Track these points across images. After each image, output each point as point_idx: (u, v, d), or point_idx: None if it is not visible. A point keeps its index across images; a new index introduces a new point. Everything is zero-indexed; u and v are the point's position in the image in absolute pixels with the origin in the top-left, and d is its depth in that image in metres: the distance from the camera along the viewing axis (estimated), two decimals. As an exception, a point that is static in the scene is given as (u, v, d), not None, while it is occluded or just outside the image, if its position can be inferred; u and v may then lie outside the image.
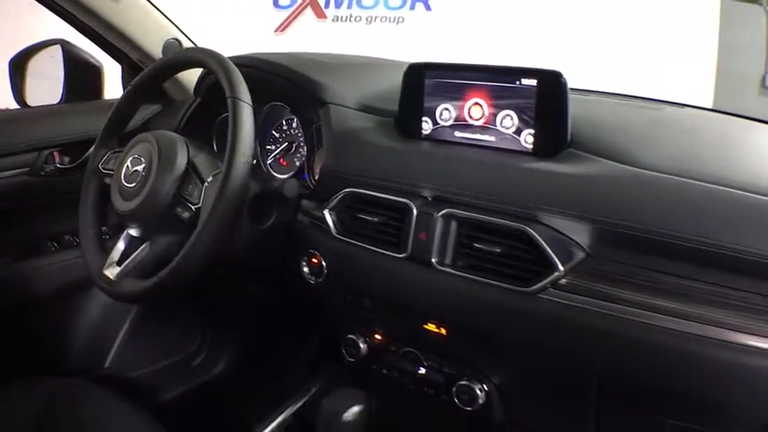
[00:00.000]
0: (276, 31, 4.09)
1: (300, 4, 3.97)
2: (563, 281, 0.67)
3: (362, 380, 0.97)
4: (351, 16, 3.84)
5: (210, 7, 3.86)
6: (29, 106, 1.36)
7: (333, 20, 3.97)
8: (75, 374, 1.24)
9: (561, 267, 0.66)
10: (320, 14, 3.95)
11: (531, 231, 0.68)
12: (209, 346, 1.52)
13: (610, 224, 0.66)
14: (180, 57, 1.01)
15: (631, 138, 0.75)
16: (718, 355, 0.59)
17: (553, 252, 0.67)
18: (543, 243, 0.67)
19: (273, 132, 1.13)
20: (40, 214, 1.24)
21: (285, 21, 4.04)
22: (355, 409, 0.75)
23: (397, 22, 3.77)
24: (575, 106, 0.76)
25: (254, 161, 1.13)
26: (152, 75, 1.02)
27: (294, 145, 1.10)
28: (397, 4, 3.76)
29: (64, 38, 1.34)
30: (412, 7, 3.72)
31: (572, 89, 0.75)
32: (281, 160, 1.12)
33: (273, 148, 1.12)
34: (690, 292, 0.62)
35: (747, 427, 0.62)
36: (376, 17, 3.81)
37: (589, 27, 3.31)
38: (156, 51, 1.29)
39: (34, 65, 1.39)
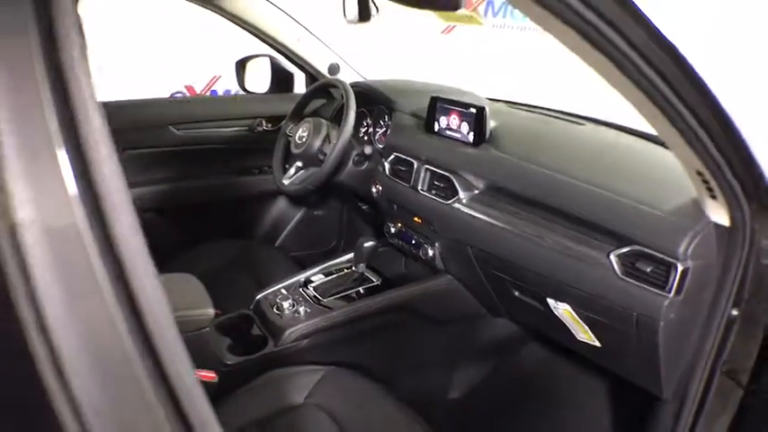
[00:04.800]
0: (443, 32, 5.15)
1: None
2: (464, 200, 1.60)
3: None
4: (505, 24, 4.78)
5: (389, 9, 4.96)
6: (247, 90, 2.40)
7: (491, 26, 4.94)
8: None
9: (462, 194, 1.60)
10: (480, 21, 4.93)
11: (452, 177, 1.63)
12: (344, 246, 2.64)
13: (489, 180, 1.58)
14: (327, 80, 2.10)
15: (518, 139, 1.63)
16: (516, 236, 1.48)
17: (459, 188, 1.61)
18: (456, 183, 1.62)
19: (380, 121, 2.16)
20: (252, 153, 2.41)
21: (451, 25, 5.08)
22: (370, 242, 1.81)
23: (543, 32, 4.64)
24: (510, 116, 1.70)
25: (364, 137, 2.18)
26: (317, 87, 2.13)
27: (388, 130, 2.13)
28: (544, 18, 4.62)
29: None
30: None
31: (532, 105, 1.75)
32: (382, 137, 2.15)
33: (380, 131, 2.16)
34: (521, 216, 1.46)
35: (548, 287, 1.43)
36: (527, 27, 4.73)
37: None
38: (324, 69, 2.36)
39: (250, 66, 2.41)
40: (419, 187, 1.75)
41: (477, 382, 1.98)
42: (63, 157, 0.49)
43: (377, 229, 2.27)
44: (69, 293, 0.48)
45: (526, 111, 1.91)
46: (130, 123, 2.21)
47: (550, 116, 1.83)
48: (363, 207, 2.31)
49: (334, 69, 2.37)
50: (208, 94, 4.58)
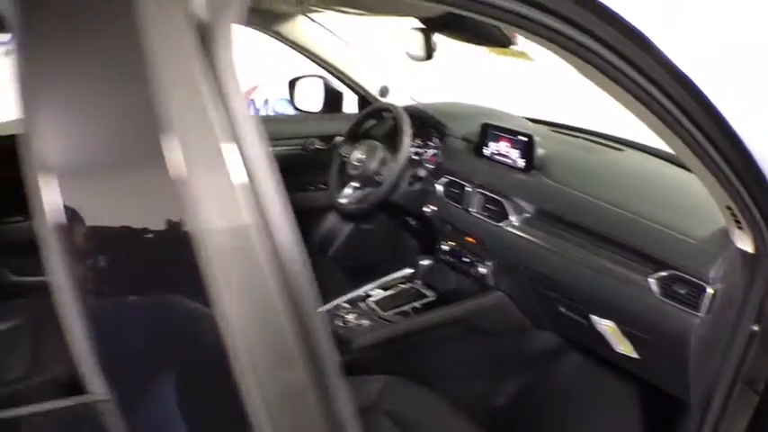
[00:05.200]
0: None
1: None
2: (515, 223, 1.80)
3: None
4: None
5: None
6: (298, 108, 2.57)
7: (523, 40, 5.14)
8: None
9: (512, 217, 1.80)
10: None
11: (503, 200, 1.83)
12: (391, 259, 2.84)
13: (539, 205, 1.77)
14: (381, 105, 2.31)
15: (565, 167, 1.80)
16: (567, 256, 1.66)
17: (510, 211, 1.81)
18: (507, 205, 1.82)
19: (429, 142, 2.35)
20: (304, 171, 2.62)
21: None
22: (427, 261, 2.02)
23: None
24: (555, 143, 1.89)
25: (413, 156, 2.38)
26: (370, 111, 2.34)
27: (439, 151, 2.31)
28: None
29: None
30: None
31: (573, 128, 1.95)
32: (431, 158, 2.34)
33: (430, 151, 2.34)
34: (568, 239, 1.67)
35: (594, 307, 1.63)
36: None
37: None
38: (375, 91, 2.56)
39: (301, 85, 2.56)
40: (471, 209, 1.96)
41: (521, 390, 2.18)
42: (232, 156, 0.60)
43: (423, 243, 2.49)
44: (244, 288, 0.61)
45: (567, 135, 2.10)
46: None
47: (590, 140, 2.00)
48: (412, 223, 2.52)
49: (384, 92, 2.58)
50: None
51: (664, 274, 1.42)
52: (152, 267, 0.65)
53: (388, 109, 2.26)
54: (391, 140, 2.23)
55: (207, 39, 0.59)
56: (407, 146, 2.09)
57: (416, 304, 2.05)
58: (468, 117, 2.21)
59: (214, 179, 0.60)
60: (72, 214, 0.59)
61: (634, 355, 1.60)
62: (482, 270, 1.99)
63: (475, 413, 1.63)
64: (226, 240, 0.61)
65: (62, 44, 0.60)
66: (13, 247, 2.28)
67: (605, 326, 1.60)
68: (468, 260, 2.05)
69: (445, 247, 2.15)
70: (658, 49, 0.91)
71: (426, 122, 2.28)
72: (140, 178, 0.61)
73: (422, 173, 2.20)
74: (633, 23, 0.86)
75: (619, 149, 1.91)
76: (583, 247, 1.62)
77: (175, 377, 0.67)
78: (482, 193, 1.93)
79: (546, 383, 2.18)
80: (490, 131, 1.97)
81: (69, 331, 0.62)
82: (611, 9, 0.84)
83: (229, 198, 0.60)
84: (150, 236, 0.62)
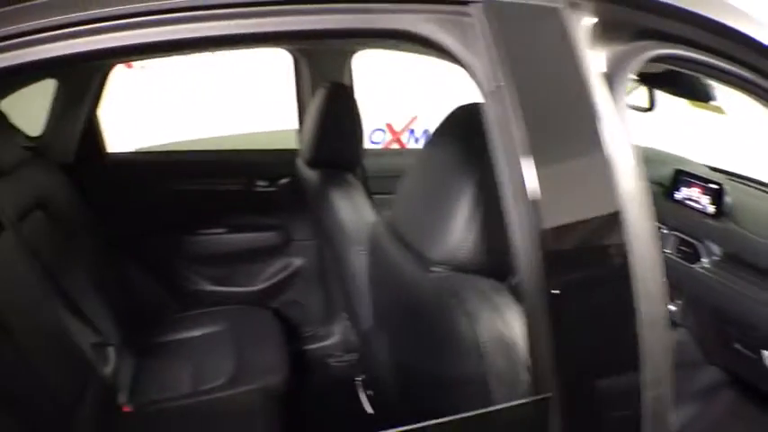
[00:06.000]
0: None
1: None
2: (706, 265, 2.01)
3: None
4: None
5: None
6: None
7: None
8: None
9: (704, 259, 2.01)
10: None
11: (696, 244, 2.04)
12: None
13: (728, 249, 1.97)
14: None
15: (749, 215, 1.97)
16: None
17: (702, 252, 2.02)
18: (699, 248, 2.02)
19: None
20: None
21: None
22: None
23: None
24: (736, 191, 2.06)
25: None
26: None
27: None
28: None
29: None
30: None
31: (744, 177, 2.17)
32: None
33: None
34: (751, 281, 1.87)
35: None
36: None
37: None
38: None
39: None
40: (666, 250, 2.15)
41: (687, 421, 2.29)
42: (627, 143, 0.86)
43: None
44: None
45: (741, 183, 2.25)
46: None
47: (760, 190, 2.18)
48: None
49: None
50: (406, 133, 5.15)
51: None
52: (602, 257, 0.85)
53: None
54: None
55: (610, 78, 0.91)
56: None
57: None
58: (658, 162, 2.40)
59: (625, 160, 0.86)
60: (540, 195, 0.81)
61: None
62: (671, 308, 2.17)
63: None
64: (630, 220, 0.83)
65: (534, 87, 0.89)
66: (207, 258, 2.65)
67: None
68: None
69: None
70: None
71: None
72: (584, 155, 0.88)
73: None
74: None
75: None
76: (764, 288, 1.82)
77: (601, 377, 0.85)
78: (676, 236, 2.13)
79: (706, 416, 2.30)
80: (683, 177, 2.17)
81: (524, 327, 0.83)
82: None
83: (626, 177, 0.85)
84: (596, 218, 0.84)
